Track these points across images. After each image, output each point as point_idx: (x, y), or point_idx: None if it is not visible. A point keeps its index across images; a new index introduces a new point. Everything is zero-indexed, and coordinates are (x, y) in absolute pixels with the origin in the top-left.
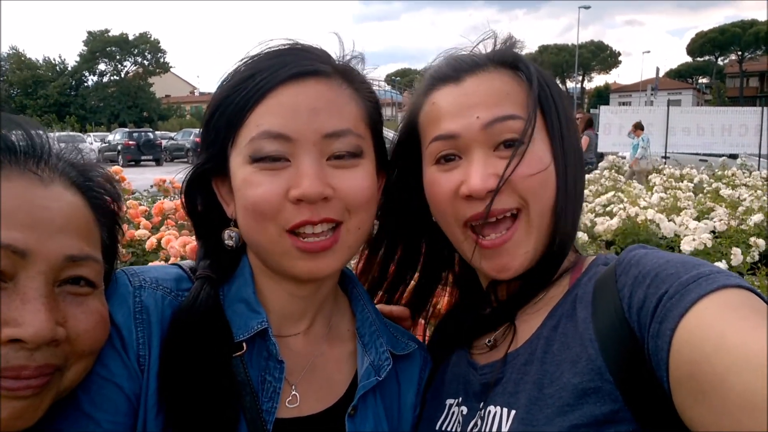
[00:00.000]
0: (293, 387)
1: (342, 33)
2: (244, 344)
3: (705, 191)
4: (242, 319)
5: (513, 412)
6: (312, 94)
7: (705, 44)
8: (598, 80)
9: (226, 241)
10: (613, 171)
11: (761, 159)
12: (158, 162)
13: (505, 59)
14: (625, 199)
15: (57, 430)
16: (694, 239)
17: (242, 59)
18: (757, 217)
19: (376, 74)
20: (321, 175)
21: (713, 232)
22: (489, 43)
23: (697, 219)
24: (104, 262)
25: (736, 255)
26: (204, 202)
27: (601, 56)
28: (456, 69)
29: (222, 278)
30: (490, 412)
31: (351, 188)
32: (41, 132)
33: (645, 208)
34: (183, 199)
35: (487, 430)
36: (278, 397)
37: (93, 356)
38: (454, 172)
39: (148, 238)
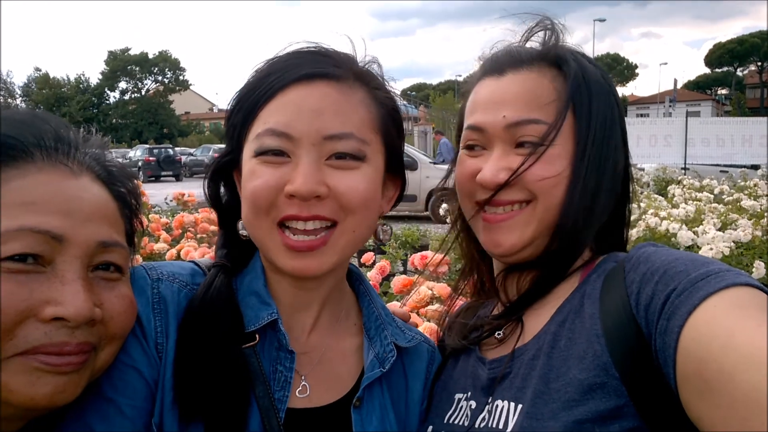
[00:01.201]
0: (303, 378)
1: (358, 49)
2: (257, 335)
3: (726, 202)
4: (254, 311)
5: (520, 406)
6: (318, 95)
7: (723, 55)
8: None
9: (240, 231)
10: (634, 184)
11: None
12: (178, 178)
13: (549, 57)
14: (650, 211)
15: (80, 414)
16: (711, 248)
17: (265, 60)
18: None
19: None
20: (317, 174)
21: (736, 242)
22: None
23: (721, 230)
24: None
25: (759, 268)
26: (227, 193)
27: (618, 69)
28: (502, 63)
29: (236, 269)
30: (497, 406)
31: (346, 189)
32: (69, 130)
33: (665, 219)
34: (206, 189)
35: (495, 424)
36: (289, 386)
37: (123, 339)
38: (477, 159)
39: (168, 250)
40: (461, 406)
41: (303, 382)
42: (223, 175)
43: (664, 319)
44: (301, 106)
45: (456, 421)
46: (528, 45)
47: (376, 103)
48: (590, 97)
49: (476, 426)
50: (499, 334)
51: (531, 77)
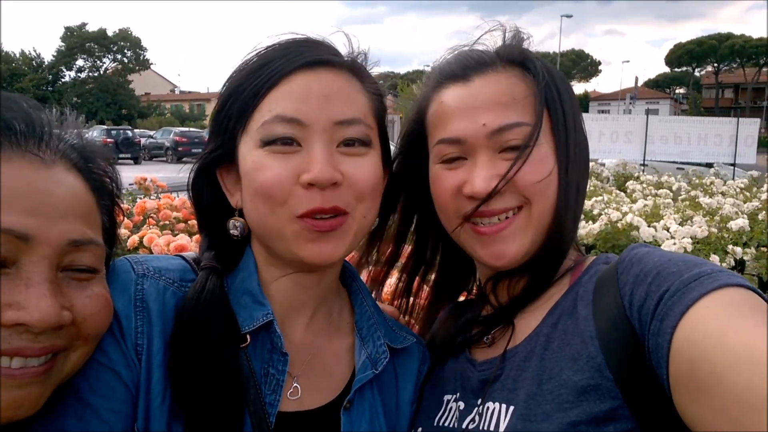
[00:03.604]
0: (295, 380)
1: (326, 34)
2: (248, 336)
3: (683, 199)
4: (247, 311)
5: (512, 408)
6: (325, 81)
7: (683, 55)
8: (578, 88)
9: (231, 231)
10: (592, 178)
11: (735, 168)
12: (137, 161)
13: (513, 57)
14: (613, 204)
15: (55, 415)
16: (674, 244)
17: (253, 50)
18: (737, 223)
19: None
20: (331, 160)
21: (692, 238)
22: (498, 36)
23: (680, 225)
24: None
25: (714, 262)
26: (209, 193)
27: (582, 65)
28: (464, 67)
29: (226, 269)
30: (488, 408)
31: (360, 175)
32: (41, 112)
33: (627, 213)
34: (190, 189)
35: (486, 426)
36: (281, 389)
37: (97, 340)
38: (459, 171)
39: (129, 237)
40: (450, 408)
41: (295, 384)
42: (208, 174)
43: (657, 320)
44: (309, 92)
45: (446, 423)
46: (479, 48)
47: (369, 93)
48: (559, 94)
49: (465, 427)
50: (488, 339)
51: (500, 79)
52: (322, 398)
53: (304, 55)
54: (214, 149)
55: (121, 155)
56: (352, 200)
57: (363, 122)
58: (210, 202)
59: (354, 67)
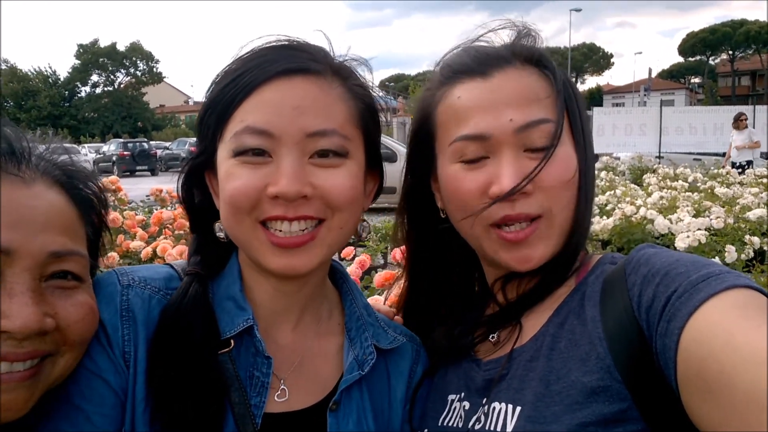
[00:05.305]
0: (281, 381)
1: (335, 39)
2: (232, 341)
3: (700, 189)
4: (229, 317)
5: (519, 408)
6: (298, 92)
7: (696, 44)
8: (590, 82)
9: (217, 233)
10: (610, 173)
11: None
12: (153, 172)
13: (531, 56)
14: (626, 199)
15: (49, 421)
16: (688, 236)
17: (234, 56)
18: (755, 213)
19: (369, 79)
20: (300, 174)
21: (708, 229)
22: (505, 34)
23: (694, 217)
24: (90, 257)
25: (730, 252)
26: (198, 195)
27: (594, 58)
28: (481, 62)
29: (212, 274)
30: (494, 408)
31: (333, 187)
32: (21, 135)
33: (641, 207)
34: (180, 192)
35: (492, 426)
36: (266, 392)
37: (83, 346)
38: (481, 171)
39: (144, 248)
40: (454, 408)
41: (282, 386)
42: (196, 177)
43: (665, 321)
44: (281, 103)
45: (450, 423)
46: (484, 44)
47: (354, 98)
48: (575, 94)
49: (470, 427)
50: (493, 337)
51: (522, 75)
52: (310, 399)
53: (278, 63)
54: (197, 155)
55: (138, 167)
56: (327, 210)
57: (338, 133)
58: (199, 204)
59: (339, 72)
